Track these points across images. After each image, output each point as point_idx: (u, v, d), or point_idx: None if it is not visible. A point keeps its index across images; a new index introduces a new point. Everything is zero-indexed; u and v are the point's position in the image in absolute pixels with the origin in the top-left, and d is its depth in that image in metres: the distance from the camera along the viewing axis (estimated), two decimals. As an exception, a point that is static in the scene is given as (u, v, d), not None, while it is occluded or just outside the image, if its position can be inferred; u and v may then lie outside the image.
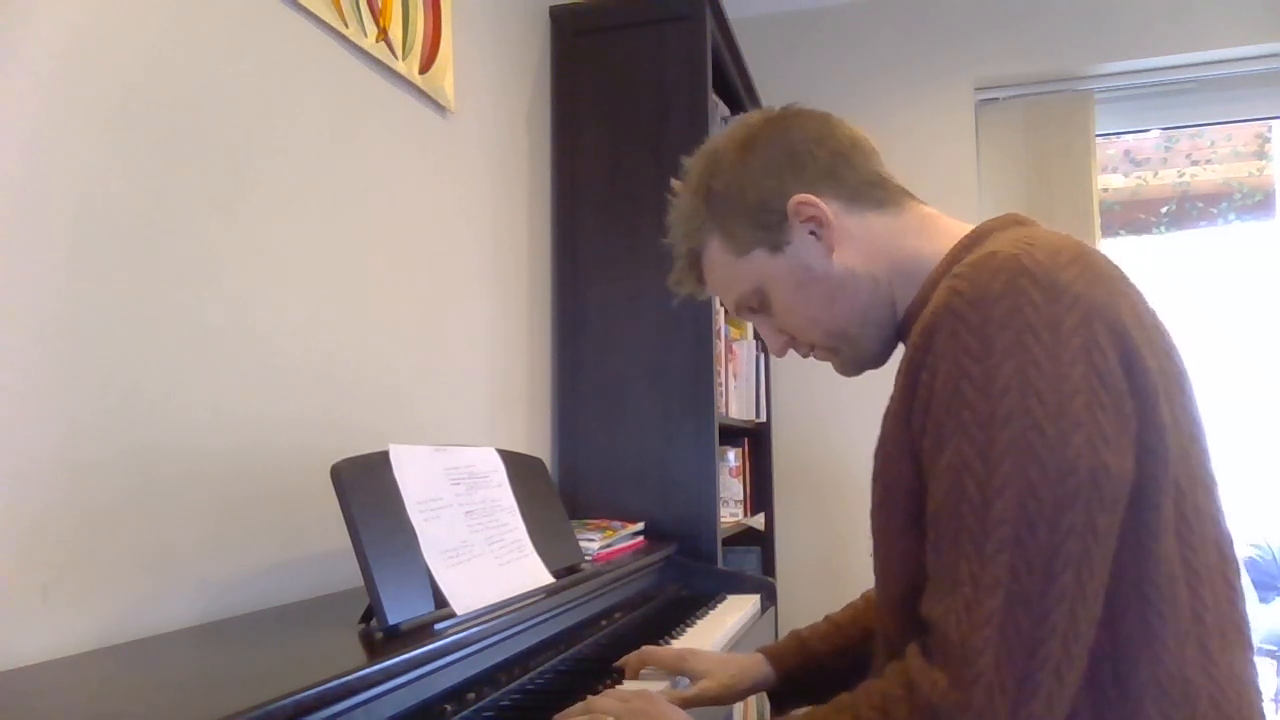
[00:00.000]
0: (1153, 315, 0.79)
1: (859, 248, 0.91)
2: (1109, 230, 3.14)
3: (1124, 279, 0.78)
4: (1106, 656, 0.71)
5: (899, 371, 0.80)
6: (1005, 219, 0.88)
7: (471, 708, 0.96)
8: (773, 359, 2.97)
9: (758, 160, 0.93)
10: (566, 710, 0.92)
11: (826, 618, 1.16)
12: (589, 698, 0.93)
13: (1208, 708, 0.72)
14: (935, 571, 0.73)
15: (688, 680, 1.08)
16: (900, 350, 0.94)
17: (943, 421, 0.72)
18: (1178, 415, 0.75)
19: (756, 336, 2.84)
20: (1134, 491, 0.70)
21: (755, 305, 0.97)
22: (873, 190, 0.93)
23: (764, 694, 1.12)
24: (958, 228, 0.92)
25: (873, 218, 0.92)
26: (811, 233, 0.91)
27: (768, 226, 0.92)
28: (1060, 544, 0.67)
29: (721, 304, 1.79)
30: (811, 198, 0.90)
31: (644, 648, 1.13)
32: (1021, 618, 0.67)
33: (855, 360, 0.96)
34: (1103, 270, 0.76)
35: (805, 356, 1.00)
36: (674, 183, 1.00)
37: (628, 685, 1.08)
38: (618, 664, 1.13)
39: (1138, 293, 0.79)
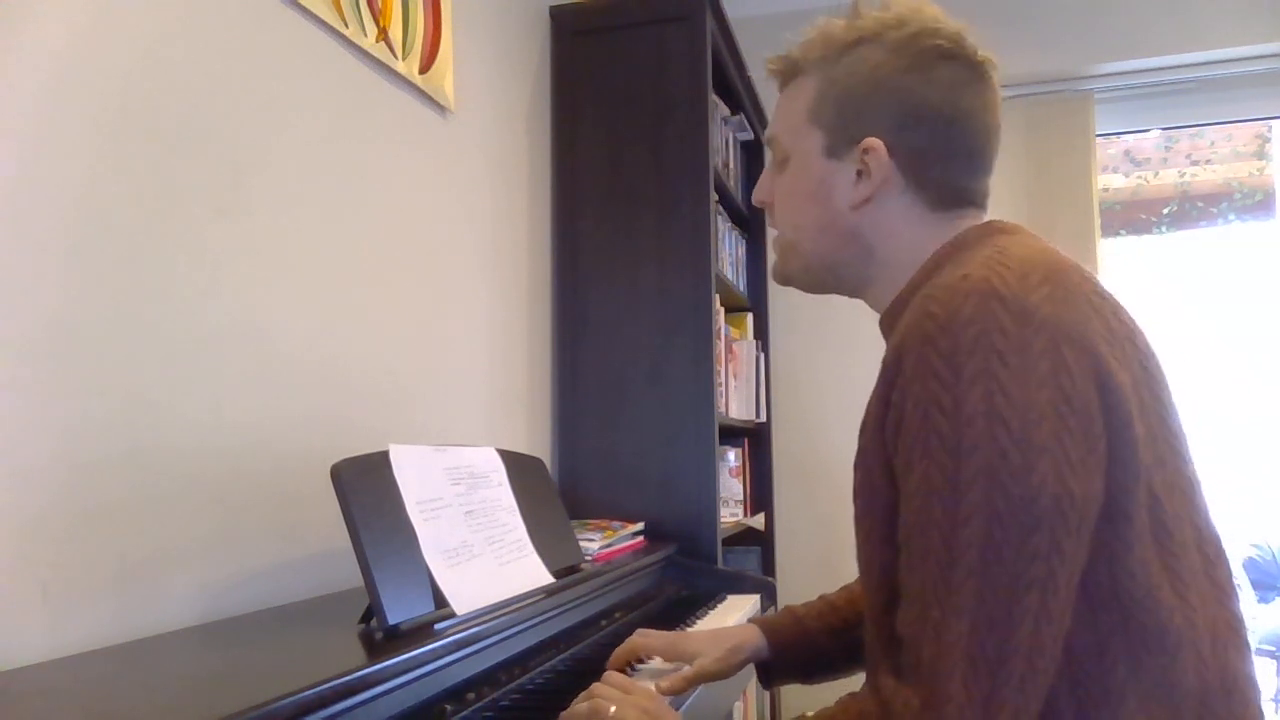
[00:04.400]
0: (1126, 326, 0.79)
1: (881, 222, 0.90)
2: (1109, 230, 3.14)
3: (1096, 292, 0.78)
4: (1091, 658, 0.72)
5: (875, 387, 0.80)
6: (987, 227, 0.88)
7: (471, 708, 0.96)
8: (773, 358, 2.97)
9: (896, 82, 0.89)
10: (574, 701, 0.92)
11: (821, 596, 1.16)
12: (593, 684, 0.93)
13: (1196, 707, 0.72)
14: (907, 590, 0.74)
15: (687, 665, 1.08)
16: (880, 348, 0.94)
17: (912, 444, 0.73)
18: (1153, 425, 0.75)
19: (756, 335, 2.84)
20: (1105, 506, 0.71)
21: (777, 160, 0.98)
22: (941, 192, 0.90)
23: (763, 694, 1.12)
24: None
25: (918, 210, 0.90)
26: (859, 172, 0.90)
27: (842, 131, 0.90)
28: (1025, 568, 0.68)
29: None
30: (885, 157, 0.88)
31: (636, 632, 1.11)
32: (987, 639, 0.68)
33: (789, 276, 0.99)
34: (1074, 287, 0.75)
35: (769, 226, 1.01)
36: (855, 3, 0.96)
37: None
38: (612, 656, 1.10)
39: (1112, 304, 0.79)
